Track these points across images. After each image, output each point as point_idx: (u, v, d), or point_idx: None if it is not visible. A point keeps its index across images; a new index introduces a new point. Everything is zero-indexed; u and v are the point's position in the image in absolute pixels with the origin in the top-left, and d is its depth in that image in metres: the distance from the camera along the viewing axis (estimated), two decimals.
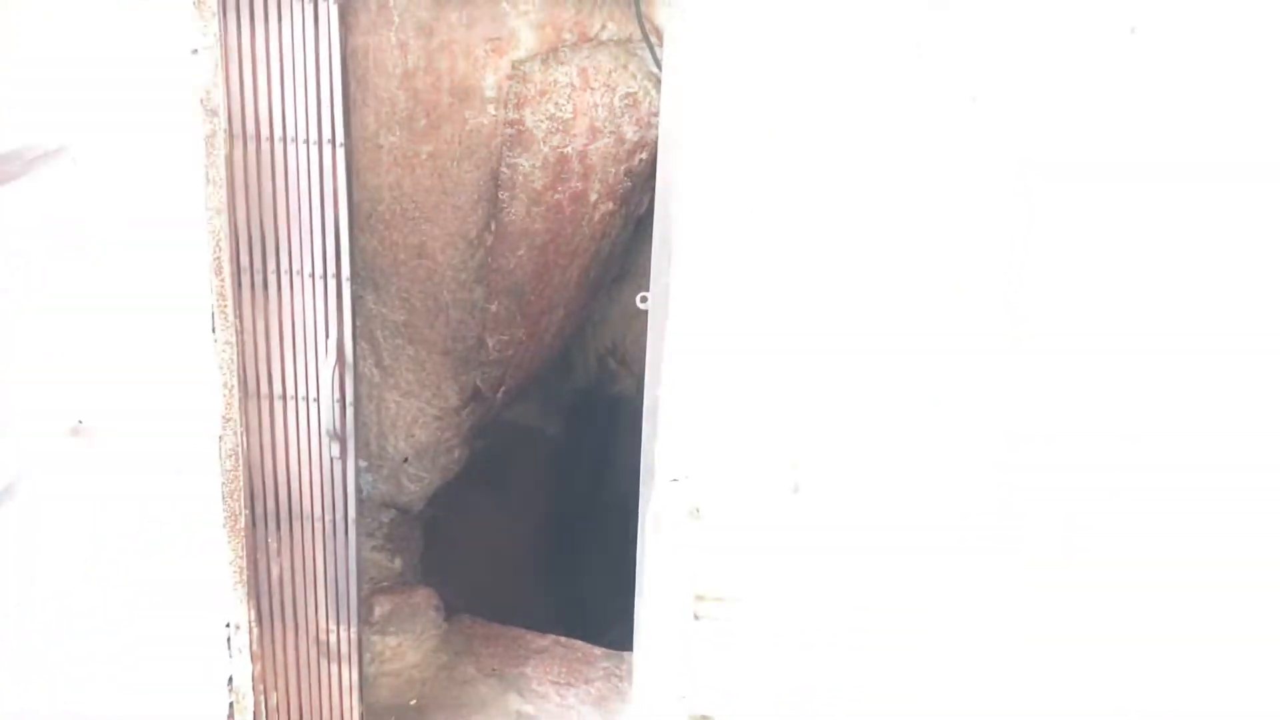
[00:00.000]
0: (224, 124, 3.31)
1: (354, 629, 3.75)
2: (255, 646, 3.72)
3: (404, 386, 4.69)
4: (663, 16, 3.25)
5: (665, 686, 3.42)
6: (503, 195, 4.22)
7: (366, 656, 4.00)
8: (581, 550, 5.97)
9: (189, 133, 3.29)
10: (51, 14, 3.13)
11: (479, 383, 4.88)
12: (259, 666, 3.75)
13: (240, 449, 3.56)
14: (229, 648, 3.72)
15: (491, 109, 4.01)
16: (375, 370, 4.62)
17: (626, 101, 4.03)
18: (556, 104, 4.00)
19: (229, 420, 3.53)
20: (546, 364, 5.30)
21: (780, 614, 3.34)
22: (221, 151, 3.33)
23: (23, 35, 3.13)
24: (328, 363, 3.46)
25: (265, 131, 3.34)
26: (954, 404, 3.06)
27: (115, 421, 3.42)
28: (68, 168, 3.20)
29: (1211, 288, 2.78)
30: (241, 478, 3.58)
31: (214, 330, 3.45)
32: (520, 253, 4.41)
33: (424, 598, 4.74)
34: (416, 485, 4.99)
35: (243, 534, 3.62)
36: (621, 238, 4.75)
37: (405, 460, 4.90)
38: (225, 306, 3.43)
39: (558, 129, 4.07)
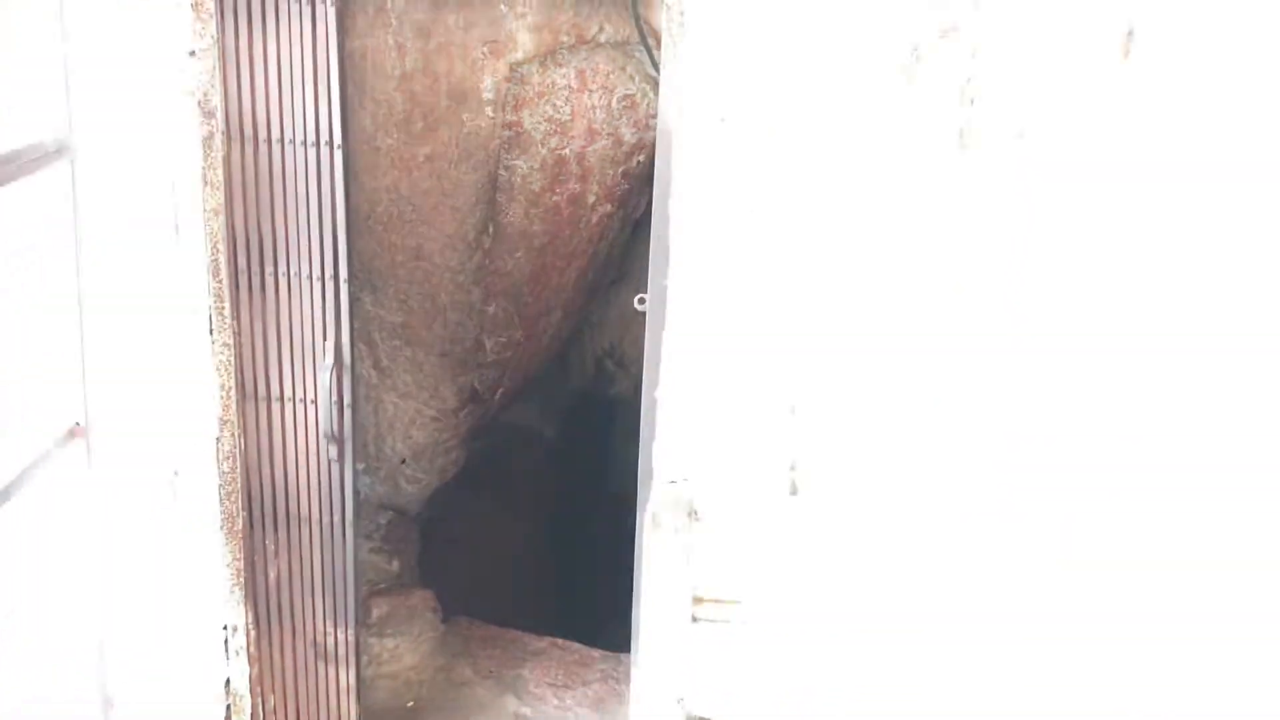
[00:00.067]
0: (222, 126, 3.31)
1: (351, 631, 3.74)
2: (253, 649, 3.72)
3: (402, 388, 4.68)
4: (660, 18, 3.25)
5: (663, 688, 3.42)
6: (500, 197, 4.22)
7: (364, 659, 4.00)
8: (579, 552, 5.96)
9: (187, 134, 3.29)
10: (51, 15, 3.13)
11: (476, 384, 4.87)
12: (256, 669, 3.74)
13: (238, 451, 3.55)
14: (226, 650, 3.72)
15: (489, 111, 4.01)
16: (373, 372, 4.62)
17: (624, 103, 4.03)
18: (554, 106, 4.01)
19: (226, 422, 3.53)
20: (544, 366, 5.30)
21: (779, 616, 3.34)
22: (219, 153, 3.33)
23: (22, 36, 3.12)
24: (325, 365, 3.46)
25: (263, 133, 3.34)
26: (953, 405, 3.07)
27: (113, 423, 3.42)
28: (66, 169, 3.20)
29: (1209, 288, 2.78)
30: (239, 480, 3.58)
31: (212, 332, 3.45)
32: (518, 254, 4.41)
33: (421, 600, 4.73)
34: (414, 487, 4.99)
35: (240, 536, 3.62)
36: (619, 239, 4.75)
37: (403, 462, 4.90)
38: (223, 308, 3.43)
39: (555, 131, 4.07)
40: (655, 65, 3.55)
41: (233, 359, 3.47)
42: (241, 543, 3.62)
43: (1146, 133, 2.68)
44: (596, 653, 4.66)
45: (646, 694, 3.43)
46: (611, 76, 3.97)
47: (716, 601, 3.38)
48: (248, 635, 3.70)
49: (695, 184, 3.10)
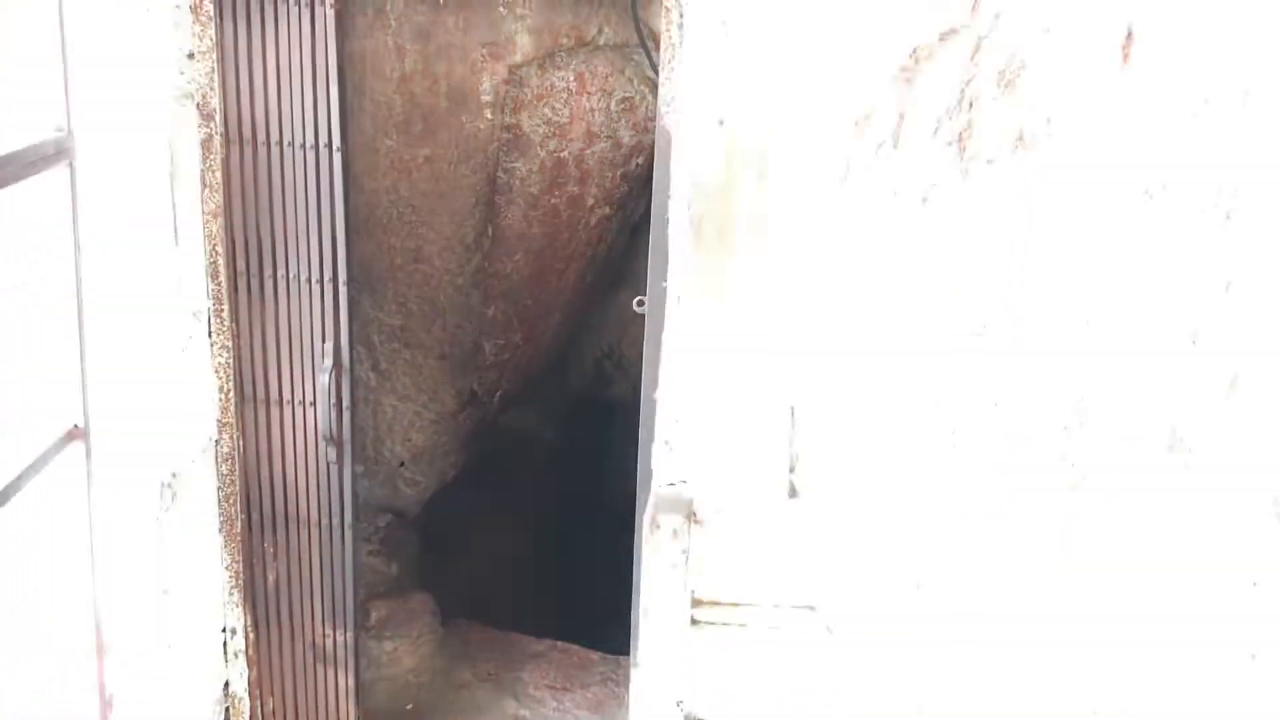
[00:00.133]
0: (221, 128, 3.31)
1: (350, 634, 3.74)
2: (252, 651, 3.72)
3: (401, 391, 4.68)
4: (660, 21, 3.26)
5: (663, 691, 3.42)
6: (499, 199, 4.22)
7: (363, 661, 3.99)
8: (578, 554, 5.96)
9: (186, 137, 3.29)
10: (50, 17, 3.13)
11: (476, 387, 4.88)
12: (255, 671, 3.74)
13: (237, 453, 3.55)
14: (225, 653, 3.71)
15: (488, 113, 4.02)
16: (372, 374, 4.62)
17: (623, 106, 4.04)
18: (553, 108, 4.01)
19: (225, 425, 3.53)
20: (543, 368, 5.30)
21: (778, 619, 3.33)
22: (218, 155, 3.33)
23: (22, 38, 3.12)
24: (324, 367, 3.46)
25: (262, 136, 3.34)
26: (953, 407, 3.07)
27: (112, 425, 3.42)
28: (65, 171, 3.20)
29: (1209, 289, 2.78)
30: (238, 482, 3.57)
31: (210, 334, 3.44)
32: (517, 257, 4.41)
33: (420, 602, 4.73)
34: (413, 489, 4.99)
35: (239, 539, 3.61)
36: (618, 242, 4.75)
37: (402, 464, 4.90)
38: (222, 311, 3.43)
39: (554, 133, 4.07)
40: (654, 67, 3.55)
41: (232, 361, 3.47)
42: (240, 545, 3.62)
43: (1147, 135, 2.69)
44: (596, 655, 4.66)
45: (646, 696, 3.43)
46: (610, 79, 3.98)
47: (715, 604, 3.38)
48: (247, 638, 3.70)
49: (694, 186, 3.10)
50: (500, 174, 4.14)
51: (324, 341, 3.47)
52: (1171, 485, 3.00)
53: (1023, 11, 2.72)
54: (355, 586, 3.72)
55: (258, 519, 3.62)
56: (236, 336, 3.46)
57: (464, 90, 3.95)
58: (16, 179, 2.93)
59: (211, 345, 3.45)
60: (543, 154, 4.10)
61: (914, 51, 2.82)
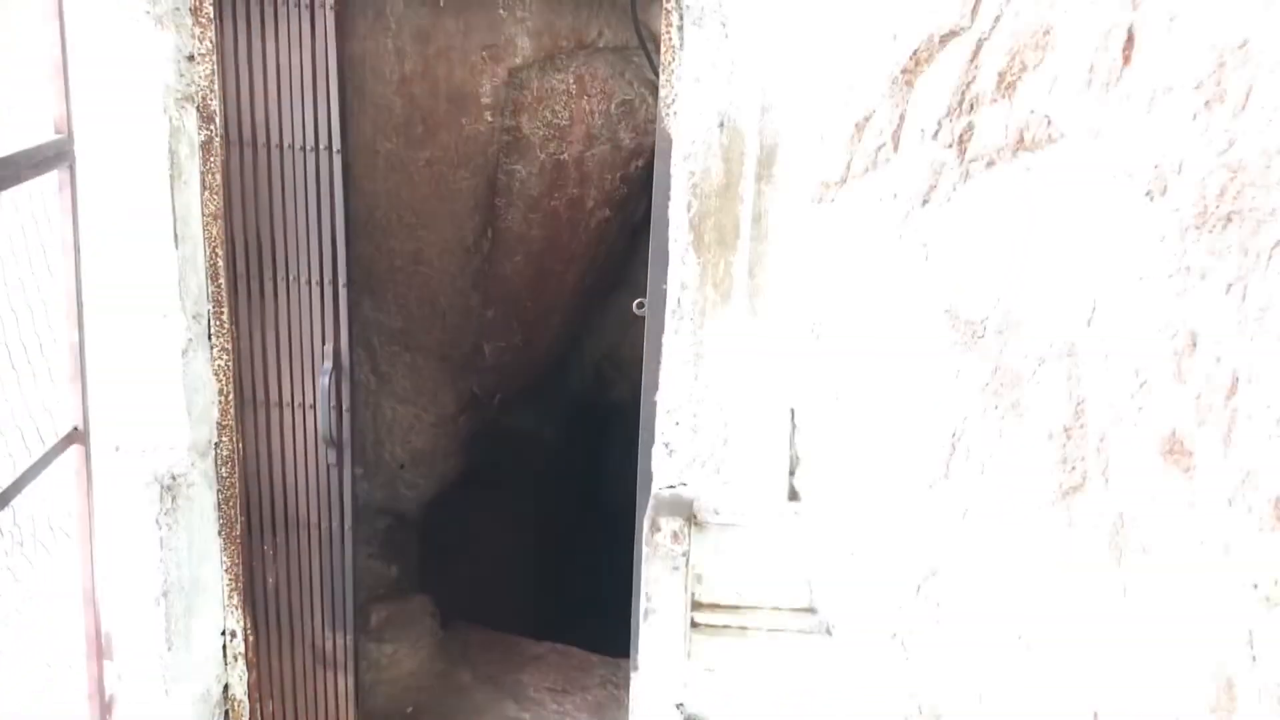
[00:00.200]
0: (221, 130, 3.31)
1: (350, 636, 3.74)
2: (251, 654, 3.72)
3: (400, 393, 4.68)
4: (660, 23, 3.26)
5: (663, 694, 3.42)
6: (499, 202, 4.22)
7: (363, 664, 3.99)
8: (578, 557, 5.96)
9: (186, 139, 3.29)
10: (50, 21, 3.13)
11: (475, 389, 4.88)
12: (255, 674, 3.74)
13: (236, 456, 3.55)
14: (225, 655, 3.71)
15: (488, 116, 4.02)
16: (372, 377, 4.62)
17: (623, 108, 4.04)
18: (553, 111, 4.01)
19: (225, 427, 3.53)
20: (543, 370, 5.30)
21: (778, 621, 3.33)
22: (218, 158, 3.33)
23: (22, 41, 3.12)
24: (324, 369, 3.46)
25: (262, 138, 3.34)
26: (953, 409, 3.07)
27: (112, 427, 3.42)
28: (65, 174, 3.20)
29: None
30: (238, 485, 3.58)
31: (210, 337, 3.45)
32: (517, 259, 4.41)
33: (420, 605, 4.73)
34: (413, 492, 4.99)
35: (239, 541, 3.61)
36: (618, 244, 4.75)
37: (402, 467, 4.90)
38: (222, 313, 3.43)
39: (554, 136, 4.07)
40: (654, 70, 3.55)
41: (231, 364, 3.47)
42: (240, 548, 3.62)
43: (1148, 137, 2.68)
44: (595, 658, 4.66)
45: (646, 699, 3.43)
46: (610, 81, 3.98)
47: (715, 607, 3.38)
48: (246, 640, 3.70)
49: (694, 189, 3.10)
50: (500, 176, 4.14)
51: (324, 344, 3.47)
52: (1172, 487, 3.00)
53: (1023, 13, 2.72)
54: (355, 589, 3.72)
55: (257, 521, 3.62)
56: (236, 339, 3.46)
57: (464, 93, 3.95)
58: (17, 181, 2.92)
59: (211, 347, 3.45)
60: (542, 156, 4.10)
61: (914, 54, 2.82)
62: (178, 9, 3.21)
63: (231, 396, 3.49)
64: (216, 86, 3.28)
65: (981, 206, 2.93)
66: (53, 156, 3.09)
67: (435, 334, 4.52)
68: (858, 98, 2.92)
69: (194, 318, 3.38)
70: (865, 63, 2.89)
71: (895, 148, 2.94)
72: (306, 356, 3.49)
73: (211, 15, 3.23)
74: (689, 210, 3.15)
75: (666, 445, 3.31)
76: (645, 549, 3.26)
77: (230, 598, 3.66)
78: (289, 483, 3.59)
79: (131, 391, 3.35)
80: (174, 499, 3.40)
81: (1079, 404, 3.02)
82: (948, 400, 3.08)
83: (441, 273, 4.35)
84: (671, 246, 3.19)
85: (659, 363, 3.28)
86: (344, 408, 3.53)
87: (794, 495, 3.29)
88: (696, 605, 3.35)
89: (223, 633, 3.69)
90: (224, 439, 3.53)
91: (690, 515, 3.25)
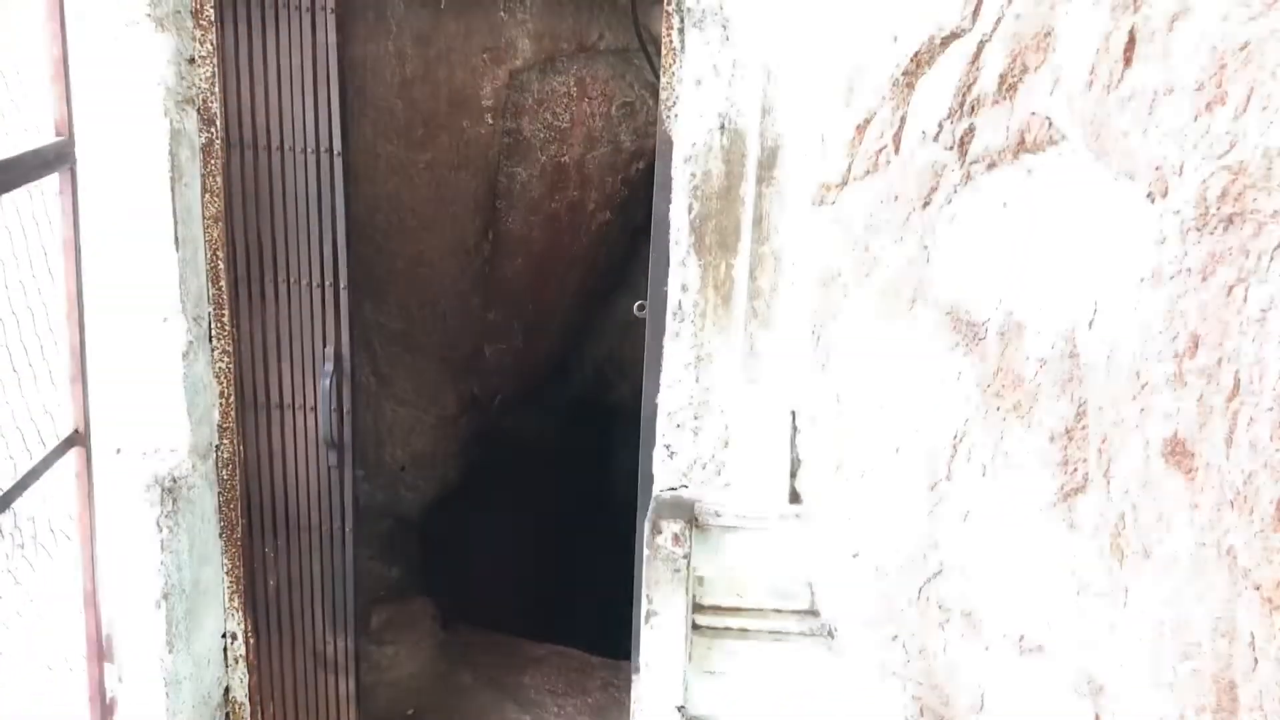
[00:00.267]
0: (221, 133, 3.31)
1: (351, 639, 3.74)
2: (252, 657, 3.71)
3: (401, 395, 4.68)
4: (660, 26, 3.26)
5: (664, 697, 3.42)
6: (500, 204, 4.22)
7: (364, 666, 3.99)
8: (579, 559, 5.96)
9: (187, 141, 3.29)
10: (52, 24, 3.13)
11: (476, 391, 4.88)
12: (256, 677, 3.73)
13: (237, 458, 3.55)
14: (226, 658, 3.71)
15: (489, 118, 4.02)
16: (373, 379, 4.62)
17: (624, 110, 4.04)
18: (554, 113, 4.02)
19: (226, 429, 3.53)
20: (544, 372, 5.30)
21: (780, 624, 3.33)
22: (219, 160, 3.33)
23: (24, 44, 3.13)
24: (325, 372, 3.46)
25: (263, 141, 3.34)
26: (955, 411, 3.06)
27: (113, 429, 3.42)
28: (67, 176, 3.20)
29: None
30: (239, 487, 3.57)
31: (211, 339, 3.45)
32: (518, 261, 4.41)
33: (421, 607, 4.73)
34: (414, 494, 4.99)
35: (240, 544, 3.61)
36: (619, 246, 4.75)
37: (402, 469, 4.90)
38: (223, 315, 3.43)
39: (555, 138, 4.08)
40: (655, 72, 3.55)
41: (232, 366, 3.47)
42: (241, 550, 3.62)
43: (1150, 139, 2.68)
44: (597, 660, 4.66)
45: (647, 702, 3.43)
46: (611, 84, 3.98)
47: (717, 609, 3.38)
48: (247, 643, 3.70)
49: (695, 192, 3.10)
50: (501, 179, 4.14)
51: (325, 346, 3.47)
52: (1173, 490, 3.00)
53: (1024, 15, 2.72)
54: (356, 591, 3.72)
55: (258, 524, 3.62)
56: (237, 341, 3.46)
57: (465, 95, 3.96)
58: (18, 184, 2.93)
59: (212, 350, 3.45)
60: (543, 159, 4.10)
61: (915, 55, 2.82)
62: (178, 12, 3.21)
63: (232, 399, 3.49)
64: (217, 89, 3.28)
65: (983, 208, 2.93)
66: (54, 159, 3.09)
67: (436, 336, 4.52)
68: (858, 100, 2.92)
69: (195, 320, 3.38)
70: (866, 64, 2.89)
71: (896, 150, 2.94)
72: (307, 359, 3.49)
73: (212, 18, 3.23)
74: (690, 212, 3.15)
75: (667, 447, 3.31)
76: (646, 551, 3.26)
77: (231, 600, 3.66)
78: (290, 485, 3.59)
79: (132, 394, 3.35)
80: (175, 501, 3.39)
81: (1080, 406, 3.02)
82: (949, 402, 3.08)
83: (442, 275, 4.35)
84: (672, 249, 3.19)
85: (660, 365, 3.28)
86: (345, 410, 3.53)
87: (795, 497, 3.29)
88: (698, 607, 3.35)
89: (223, 635, 3.69)
90: (225, 441, 3.53)
91: (691, 517, 3.25)
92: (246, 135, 3.32)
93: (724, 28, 3.04)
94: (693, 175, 3.12)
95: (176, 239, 3.28)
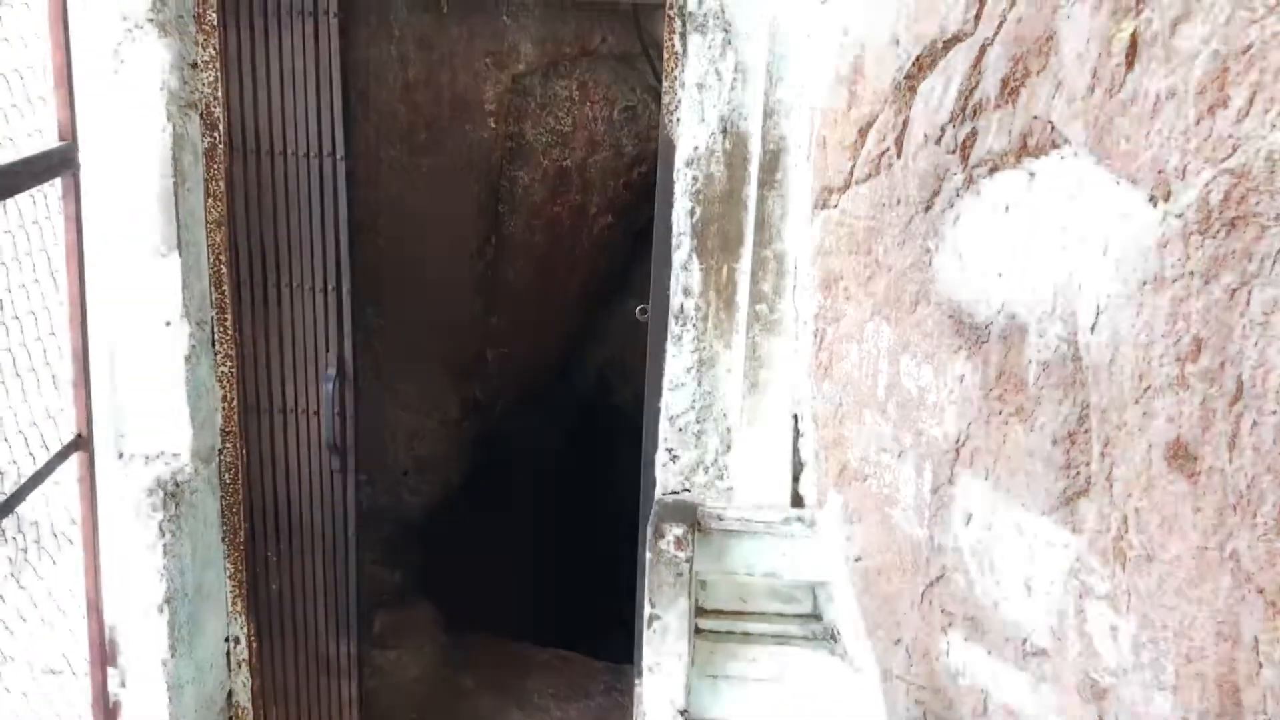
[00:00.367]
0: (224, 137, 3.32)
1: (354, 643, 3.74)
2: (255, 661, 3.71)
3: (404, 399, 4.69)
4: (662, 30, 3.27)
5: (666, 700, 3.42)
6: (502, 208, 4.23)
7: (366, 670, 3.99)
8: (582, 563, 5.95)
9: (190, 145, 3.29)
10: (56, 26, 3.14)
11: (479, 395, 4.88)
12: (259, 681, 3.73)
13: (240, 463, 3.55)
14: (229, 662, 3.71)
15: (492, 122, 4.03)
16: (375, 383, 4.62)
17: (625, 114, 4.05)
18: (556, 117, 4.02)
19: (229, 434, 3.53)
20: (546, 376, 5.30)
21: (782, 628, 3.33)
22: (222, 164, 3.33)
23: (26, 47, 3.13)
24: (328, 376, 3.46)
25: (266, 145, 3.34)
26: (957, 413, 3.06)
27: (115, 433, 3.42)
28: (70, 180, 3.20)
29: None
30: (241, 491, 3.58)
31: (214, 343, 3.45)
32: (520, 265, 4.41)
33: (424, 611, 4.73)
34: (417, 498, 4.99)
35: (243, 548, 3.61)
36: (621, 250, 4.76)
37: (405, 473, 4.90)
38: (225, 320, 3.43)
39: (557, 142, 4.08)
40: (657, 76, 3.56)
41: (235, 370, 3.47)
42: (244, 554, 3.62)
43: (1152, 141, 2.68)
44: (600, 664, 4.66)
45: (649, 705, 3.42)
46: (613, 88, 3.99)
47: (719, 613, 3.38)
48: (250, 647, 3.70)
49: (698, 196, 3.10)
50: (503, 183, 4.15)
51: (327, 350, 3.47)
52: (1177, 493, 2.99)
53: (1026, 19, 2.72)
54: (358, 595, 3.72)
55: (261, 528, 3.62)
56: (240, 345, 3.46)
57: (467, 99, 3.96)
58: (21, 188, 2.93)
59: (215, 354, 3.45)
60: (545, 163, 4.11)
61: (917, 59, 2.82)
62: (181, 16, 3.22)
63: (235, 403, 3.49)
64: (220, 93, 3.28)
65: (985, 211, 2.93)
66: (57, 163, 3.09)
67: (439, 340, 4.53)
68: (860, 103, 2.92)
69: (198, 324, 3.39)
70: (868, 68, 2.89)
71: (898, 153, 2.94)
72: (310, 363, 3.49)
73: (215, 22, 3.23)
74: (692, 216, 3.15)
75: (669, 451, 3.31)
76: (649, 555, 3.26)
77: (234, 604, 3.67)
78: (293, 489, 3.59)
79: (135, 398, 3.36)
80: (177, 505, 3.40)
81: (1082, 409, 3.01)
82: (951, 405, 3.08)
83: (445, 279, 4.35)
84: (674, 252, 3.19)
85: (662, 369, 3.28)
86: (347, 414, 3.53)
87: (798, 501, 3.28)
88: (700, 611, 3.34)
89: (226, 639, 3.69)
90: (228, 445, 3.54)
91: (694, 521, 3.25)
92: (249, 140, 3.33)
93: (726, 32, 3.04)
94: (694, 179, 3.12)
95: (179, 243, 3.29)
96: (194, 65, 3.26)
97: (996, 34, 2.79)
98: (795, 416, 3.25)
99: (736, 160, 3.12)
